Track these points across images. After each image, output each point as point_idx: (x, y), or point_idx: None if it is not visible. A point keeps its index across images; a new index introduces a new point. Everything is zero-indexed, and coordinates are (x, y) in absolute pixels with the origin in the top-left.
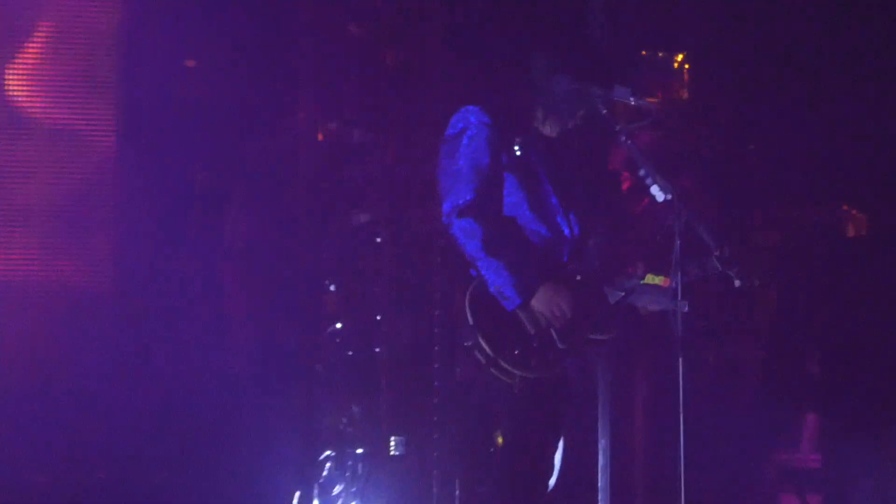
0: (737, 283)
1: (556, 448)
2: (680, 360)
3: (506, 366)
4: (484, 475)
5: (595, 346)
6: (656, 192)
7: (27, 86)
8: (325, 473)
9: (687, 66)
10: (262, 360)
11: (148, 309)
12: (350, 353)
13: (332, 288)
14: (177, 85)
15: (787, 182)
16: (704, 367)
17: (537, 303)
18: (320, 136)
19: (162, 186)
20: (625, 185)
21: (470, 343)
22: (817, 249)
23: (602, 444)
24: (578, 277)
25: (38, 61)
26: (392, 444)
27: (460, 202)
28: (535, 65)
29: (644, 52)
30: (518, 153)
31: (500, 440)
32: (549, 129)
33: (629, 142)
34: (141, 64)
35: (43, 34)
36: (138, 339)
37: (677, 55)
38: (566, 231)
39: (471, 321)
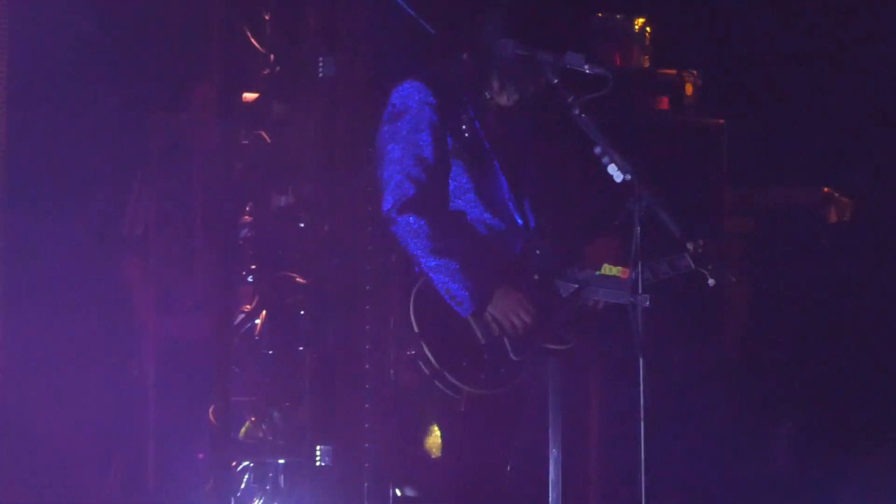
0: (711, 281)
1: (505, 470)
2: (640, 360)
3: (452, 380)
4: (423, 496)
5: (550, 357)
6: (614, 172)
7: None
8: (242, 486)
9: (648, 31)
10: (171, 360)
11: (37, 302)
12: (270, 352)
13: (249, 279)
14: (76, 53)
15: (761, 161)
16: (668, 368)
17: (493, 309)
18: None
19: (53, 170)
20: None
21: (413, 352)
22: (796, 236)
23: (553, 455)
24: (536, 277)
25: None
26: (318, 453)
27: (401, 196)
28: (485, 27)
29: (600, 15)
30: (466, 135)
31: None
32: (506, 99)
33: (583, 115)
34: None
35: None
36: (28, 340)
37: (637, 18)
38: (520, 221)
39: (415, 328)
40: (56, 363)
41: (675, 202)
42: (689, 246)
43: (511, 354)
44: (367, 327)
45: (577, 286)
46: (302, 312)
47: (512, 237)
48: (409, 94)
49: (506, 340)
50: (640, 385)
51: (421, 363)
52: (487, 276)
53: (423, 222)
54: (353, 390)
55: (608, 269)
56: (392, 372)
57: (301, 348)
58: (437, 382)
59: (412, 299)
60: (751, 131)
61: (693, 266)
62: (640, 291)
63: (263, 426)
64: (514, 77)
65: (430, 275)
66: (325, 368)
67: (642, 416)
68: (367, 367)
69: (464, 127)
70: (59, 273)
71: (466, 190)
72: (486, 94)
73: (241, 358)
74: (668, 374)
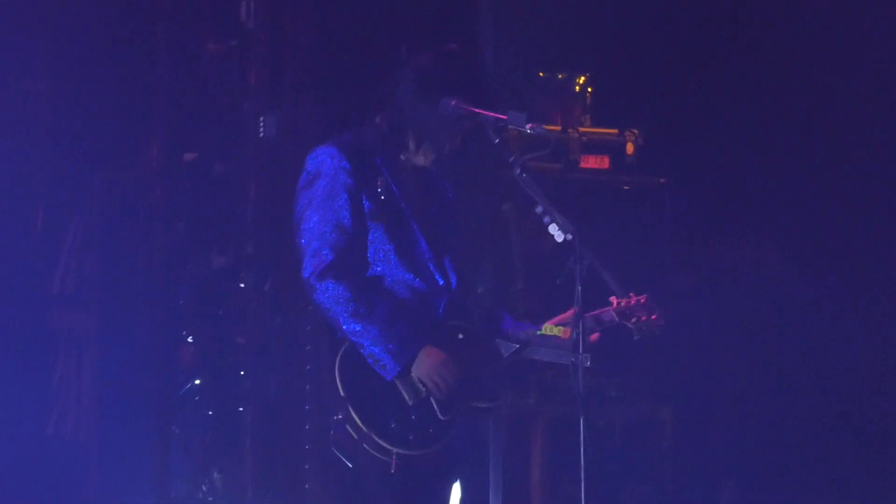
0: (635, 336)
1: None
2: (581, 420)
3: (381, 442)
4: None
5: (481, 415)
6: (555, 232)
7: None
8: None
9: (590, 90)
10: (110, 421)
11: None
12: (210, 412)
13: (189, 339)
14: (17, 109)
15: (701, 219)
16: (609, 428)
17: (417, 370)
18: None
19: None
20: None
21: (340, 416)
22: (739, 291)
23: None
24: (461, 336)
25: None
26: None
27: (320, 263)
28: (405, 85)
29: (542, 74)
30: (382, 197)
31: None
32: (422, 159)
33: (524, 175)
34: None
35: None
36: None
37: (579, 77)
38: (440, 280)
39: (341, 392)
40: None
41: (616, 261)
42: (612, 300)
43: (439, 414)
44: (307, 387)
45: (517, 346)
46: (242, 373)
47: (434, 297)
48: (323, 160)
49: (432, 400)
50: (581, 443)
51: (349, 427)
52: (410, 338)
53: (342, 287)
54: (293, 451)
55: (549, 329)
56: (332, 433)
57: (241, 409)
58: (365, 445)
59: (337, 363)
60: (691, 190)
61: (617, 320)
62: (581, 351)
63: (203, 487)
64: (430, 136)
65: (352, 339)
66: (266, 429)
67: (582, 476)
68: (306, 427)
69: (379, 189)
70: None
71: (386, 252)
72: (402, 155)
73: (183, 418)
74: (610, 433)
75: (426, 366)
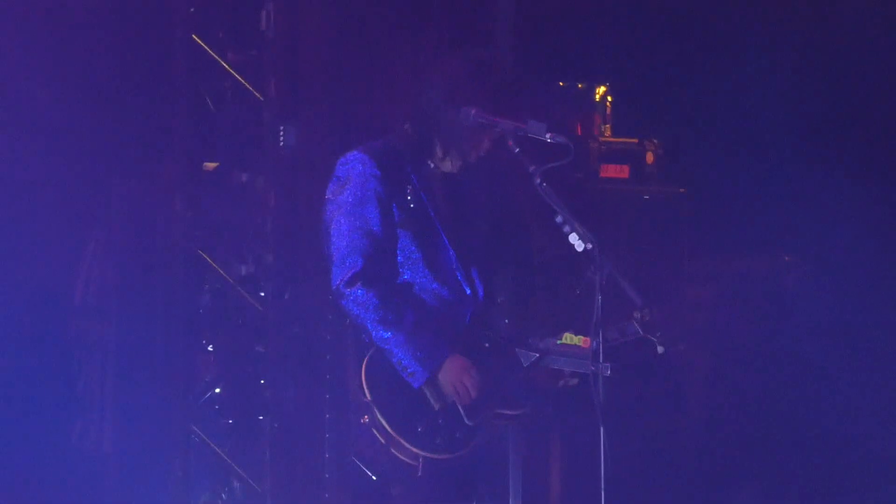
0: (660, 349)
1: None
2: (601, 429)
3: (409, 446)
4: None
5: (506, 421)
6: (575, 242)
7: None
8: None
9: (609, 99)
10: (130, 430)
11: None
12: (230, 421)
13: (209, 348)
14: (37, 120)
15: (721, 229)
16: (629, 436)
17: (444, 376)
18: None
19: (10, 230)
20: None
21: (367, 420)
22: (756, 304)
23: None
24: (487, 344)
25: None
26: None
27: (349, 271)
28: (431, 95)
29: (561, 84)
30: (412, 205)
31: None
32: (449, 166)
33: (544, 184)
34: None
35: None
36: None
37: (599, 87)
38: (467, 290)
39: (368, 396)
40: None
41: (635, 271)
42: (637, 314)
43: (465, 419)
44: (327, 396)
45: (537, 355)
46: (262, 381)
47: (461, 306)
48: (353, 167)
49: (459, 407)
50: (601, 453)
51: (375, 431)
52: (437, 345)
53: (371, 294)
54: (312, 460)
55: (569, 339)
56: (356, 437)
57: (261, 418)
58: (392, 450)
59: (364, 368)
60: (711, 199)
61: (641, 333)
62: (601, 360)
63: (223, 496)
64: (455, 144)
65: (381, 345)
66: (285, 438)
67: (602, 485)
68: (326, 436)
69: (409, 197)
70: (7, 339)
71: (415, 260)
72: (431, 162)
73: (203, 427)
74: (630, 442)
75: (453, 373)
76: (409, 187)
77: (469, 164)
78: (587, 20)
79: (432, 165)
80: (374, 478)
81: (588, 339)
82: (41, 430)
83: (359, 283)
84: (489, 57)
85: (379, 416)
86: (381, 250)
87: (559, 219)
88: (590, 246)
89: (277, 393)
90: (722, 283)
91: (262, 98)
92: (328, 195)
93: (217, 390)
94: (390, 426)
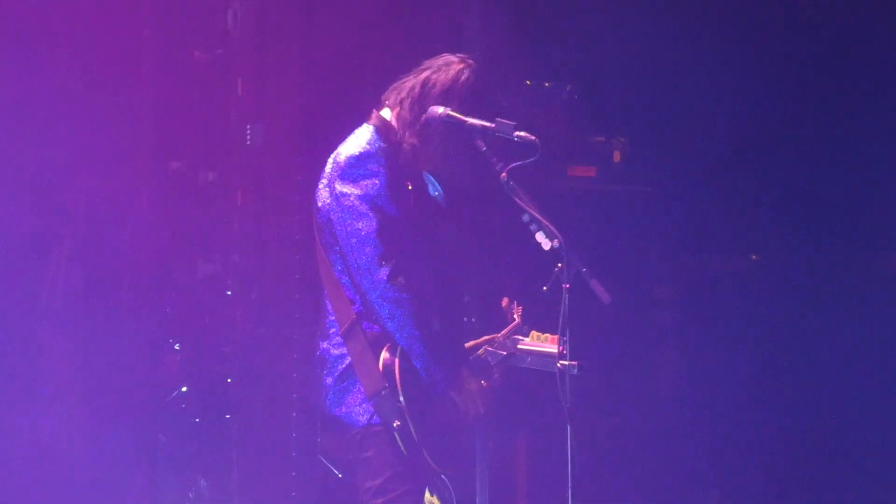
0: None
1: None
2: (569, 429)
3: (427, 458)
4: None
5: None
6: (542, 240)
7: None
8: None
9: (576, 98)
10: (95, 430)
11: None
12: (197, 420)
13: (176, 347)
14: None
15: (687, 228)
16: (596, 436)
17: (458, 392)
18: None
19: None
20: None
21: (398, 424)
22: (722, 303)
23: None
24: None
25: None
26: None
27: (388, 270)
28: (401, 94)
29: (528, 82)
30: (410, 203)
31: None
32: (420, 165)
33: (511, 182)
34: None
35: None
36: None
37: (566, 85)
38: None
39: (401, 399)
40: None
41: (602, 269)
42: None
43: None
44: (294, 395)
45: (504, 354)
46: (229, 380)
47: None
48: (371, 156)
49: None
50: (568, 450)
51: (398, 435)
52: (455, 355)
53: (404, 295)
54: (279, 458)
55: (536, 337)
56: (318, 440)
57: (228, 416)
58: (400, 457)
59: (397, 367)
60: (678, 198)
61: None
62: (568, 359)
63: (190, 494)
64: (425, 142)
65: (412, 344)
66: (252, 436)
67: (570, 483)
68: (293, 435)
69: (403, 193)
70: None
71: (416, 258)
72: (401, 160)
73: (169, 426)
74: (597, 441)
75: (467, 388)
76: (407, 182)
77: (438, 162)
78: (554, 19)
79: (402, 163)
80: (339, 475)
81: (555, 336)
82: (5, 430)
83: (398, 278)
84: (460, 58)
85: (409, 424)
86: (402, 244)
87: (526, 217)
88: (556, 244)
89: (244, 392)
90: (688, 280)
91: (228, 97)
92: (343, 190)
93: (184, 389)
94: (417, 435)
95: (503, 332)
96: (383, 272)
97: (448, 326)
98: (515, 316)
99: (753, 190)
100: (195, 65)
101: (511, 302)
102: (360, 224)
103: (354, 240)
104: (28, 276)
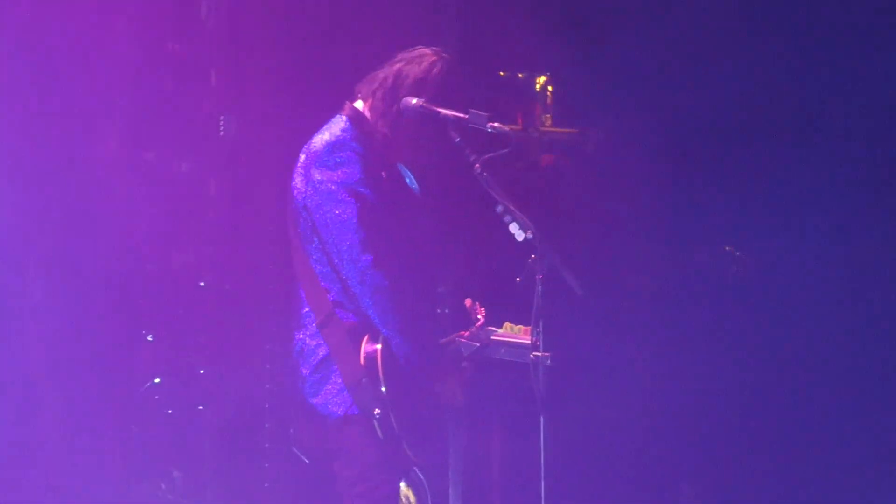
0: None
1: None
2: (542, 419)
3: (406, 449)
4: None
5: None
6: (515, 231)
7: None
8: None
9: (550, 89)
10: (69, 421)
11: None
12: (170, 411)
13: (148, 338)
14: None
15: (661, 220)
16: (569, 427)
17: (439, 380)
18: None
19: None
20: None
21: (378, 413)
22: (696, 295)
23: None
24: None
25: None
26: None
27: (371, 256)
28: (375, 86)
29: (502, 73)
30: (384, 190)
31: None
32: (393, 155)
33: (485, 174)
34: None
35: None
36: None
37: (539, 77)
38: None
39: (383, 388)
40: None
41: (575, 260)
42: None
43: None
44: (267, 386)
45: (478, 345)
46: (202, 371)
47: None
48: (348, 143)
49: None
50: (541, 442)
51: (378, 424)
52: (436, 346)
53: (387, 281)
54: (252, 449)
55: (509, 328)
56: (291, 431)
57: (201, 408)
58: (379, 447)
59: (380, 355)
60: (654, 191)
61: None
62: (541, 350)
63: (163, 485)
64: (399, 133)
65: (395, 334)
66: (225, 427)
67: (542, 475)
68: (266, 426)
69: (380, 182)
70: None
71: (396, 245)
72: (374, 152)
73: (142, 418)
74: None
75: (448, 380)
76: (383, 171)
77: (410, 153)
78: (528, 9)
79: (375, 153)
80: (306, 461)
81: (528, 328)
82: None
83: (383, 267)
84: (434, 50)
85: (390, 413)
86: (390, 235)
87: (499, 208)
88: (530, 235)
89: (217, 383)
90: (664, 273)
91: (202, 88)
92: (320, 177)
93: (157, 380)
94: (398, 426)
95: (467, 333)
96: (366, 258)
97: (424, 316)
98: (479, 316)
99: (729, 181)
100: (168, 56)
101: (474, 303)
102: (339, 210)
103: (334, 226)
104: (2, 269)
